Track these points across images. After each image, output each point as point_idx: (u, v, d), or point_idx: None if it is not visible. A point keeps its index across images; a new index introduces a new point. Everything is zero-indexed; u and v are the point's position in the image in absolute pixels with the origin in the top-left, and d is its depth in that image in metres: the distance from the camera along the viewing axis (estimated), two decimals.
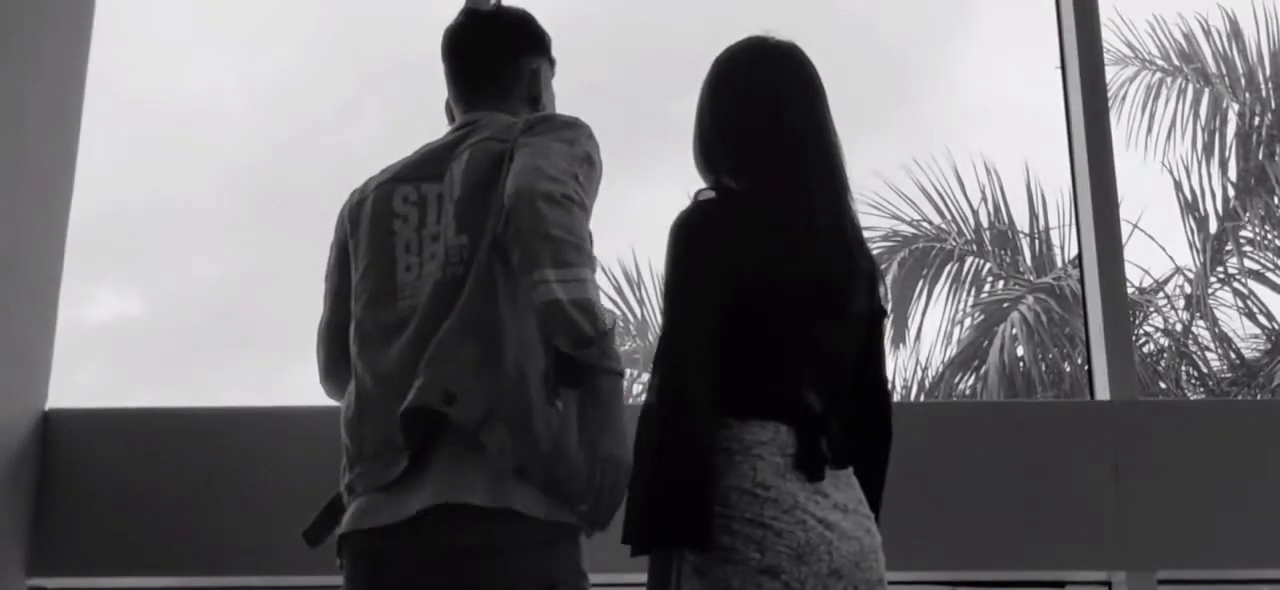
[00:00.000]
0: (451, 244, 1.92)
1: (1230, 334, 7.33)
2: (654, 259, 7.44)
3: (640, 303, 7.64)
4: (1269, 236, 7.53)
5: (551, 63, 2.24)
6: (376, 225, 2.02)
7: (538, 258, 1.77)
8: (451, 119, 2.21)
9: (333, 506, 2.00)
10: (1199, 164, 7.51)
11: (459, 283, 1.88)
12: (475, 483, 1.79)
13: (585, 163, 1.93)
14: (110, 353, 5.54)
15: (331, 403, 3.15)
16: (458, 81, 2.19)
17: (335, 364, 2.12)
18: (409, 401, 1.81)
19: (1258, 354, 7.32)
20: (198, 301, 5.65)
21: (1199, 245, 7.40)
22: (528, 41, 2.21)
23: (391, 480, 1.84)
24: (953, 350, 7.52)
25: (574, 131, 1.97)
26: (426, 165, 2.04)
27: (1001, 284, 7.72)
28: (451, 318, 1.85)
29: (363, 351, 1.96)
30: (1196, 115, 7.59)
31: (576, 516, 1.86)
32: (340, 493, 1.97)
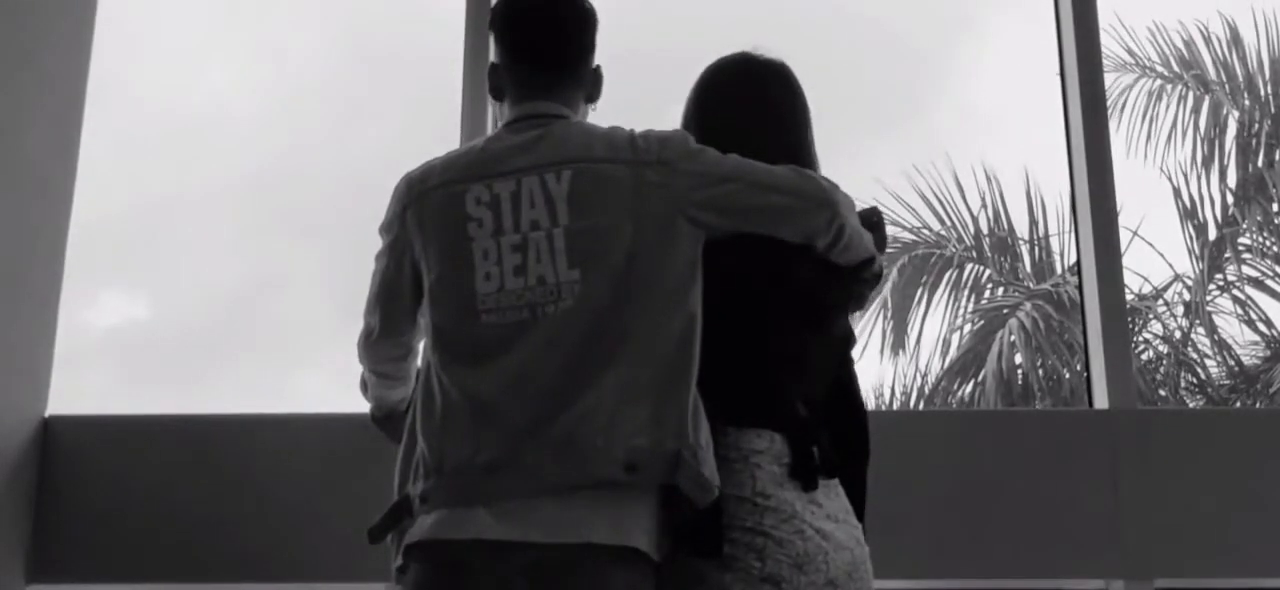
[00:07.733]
0: (564, 279, 1.84)
1: (1229, 341, 7.33)
2: None
3: None
4: (1268, 244, 7.53)
5: None
6: (448, 229, 1.92)
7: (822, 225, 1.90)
8: (495, 87, 2.06)
9: (399, 509, 1.91)
10: (1198, 171, 7.51)
11: (571, 317, 1.82)
12: (600, 522, 1.75)
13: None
14: (117, 357, 5.54)
15: (335, 410, 3.19)
16: (526, 61, 2.01)
17: (371, 334, 2.09)
18: (590, 474, 1.75)
19: (1257, 361, 7.31)
20: (205, 306, 5.64)
21: (1198, 252, 7.39)
22: (595, 34, 2.07)
23: (485, 499, 1.79)
24: (952, 356, 7.52)
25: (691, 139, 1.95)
26: (498, 162, 1.92)
27: (1001, 291, 7.72)
28: (613, 378, 1.78)
29: (446, 364, 1.88)
30: (1196, 122, 7.58)
31: None
32: (409, 497, 1.88)
